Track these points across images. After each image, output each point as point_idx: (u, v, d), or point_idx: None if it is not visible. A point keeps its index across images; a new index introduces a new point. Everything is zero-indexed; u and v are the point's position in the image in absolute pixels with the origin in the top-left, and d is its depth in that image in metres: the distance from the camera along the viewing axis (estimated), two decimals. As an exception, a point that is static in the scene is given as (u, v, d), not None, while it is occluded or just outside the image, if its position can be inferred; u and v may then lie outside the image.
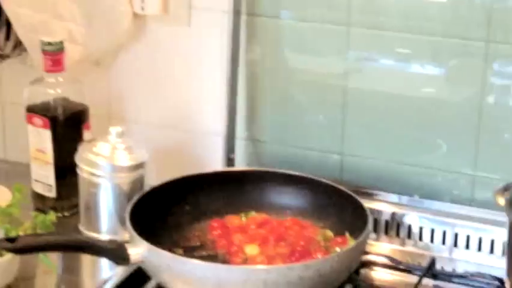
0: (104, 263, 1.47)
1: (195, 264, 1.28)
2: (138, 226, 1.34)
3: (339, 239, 1.41)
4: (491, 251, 1.49)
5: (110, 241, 1.39)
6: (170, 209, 1.46)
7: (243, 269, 1.30)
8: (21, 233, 1.36)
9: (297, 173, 1.51)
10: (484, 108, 1.51)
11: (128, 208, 1.38)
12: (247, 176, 1.52)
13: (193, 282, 1.27)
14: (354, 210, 1.42)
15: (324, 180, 1.49)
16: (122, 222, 1.48)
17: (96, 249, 1.30)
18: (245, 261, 1.37)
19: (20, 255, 1.32)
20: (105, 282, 1.39)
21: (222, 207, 1.49)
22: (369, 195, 1.56)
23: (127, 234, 1.47)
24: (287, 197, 1.51)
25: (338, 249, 1.38)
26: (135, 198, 1.41)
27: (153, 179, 1.51)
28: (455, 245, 1.51)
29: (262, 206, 1.50)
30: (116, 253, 1.29)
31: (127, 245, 1.30)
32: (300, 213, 1.49)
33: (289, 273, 1.25)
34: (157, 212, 1.44)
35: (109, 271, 1.42)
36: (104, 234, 1.50)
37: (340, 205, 1.45)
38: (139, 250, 1.30)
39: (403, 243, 1.53)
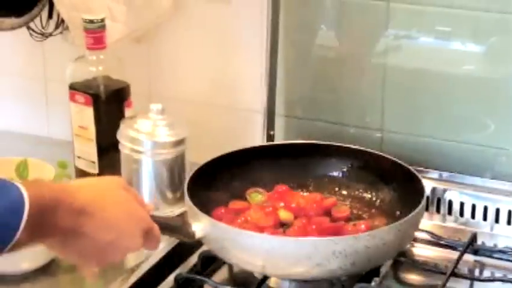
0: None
1: (262, 238, 1.28)
2: (195, 200, 1.34)
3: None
4: (533, 226, 1.48)
5: (173, 218, 1.39)
6: (220, 184, 1.46)
7: (312, 241, 1.29)
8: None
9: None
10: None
11: (186, 184, 1.38)
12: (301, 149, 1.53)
13: (258, 255, 1.27)
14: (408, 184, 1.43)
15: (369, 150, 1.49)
16: (163, 198, 1.51)
17: (162, 226, 1.24)
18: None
19: None
20: (147, 258, 1.40)
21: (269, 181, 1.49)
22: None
23: (168, 209, 1.50)
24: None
25: (363, 226, 1.37)
26: (191, 174, 1.41)
27: (193, 156, 1.52)
28: (497, 220, 1.50)
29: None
30: (182, 230, 1.29)
31: (190, 221, 1.30)
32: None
33: (356, 243, 1.25)
34: (208, 186, 1.43)
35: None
36: (145, 210, 1.51)
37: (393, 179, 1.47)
38: (201, 226, 1.29)
39: (444, 219, 1.53)
